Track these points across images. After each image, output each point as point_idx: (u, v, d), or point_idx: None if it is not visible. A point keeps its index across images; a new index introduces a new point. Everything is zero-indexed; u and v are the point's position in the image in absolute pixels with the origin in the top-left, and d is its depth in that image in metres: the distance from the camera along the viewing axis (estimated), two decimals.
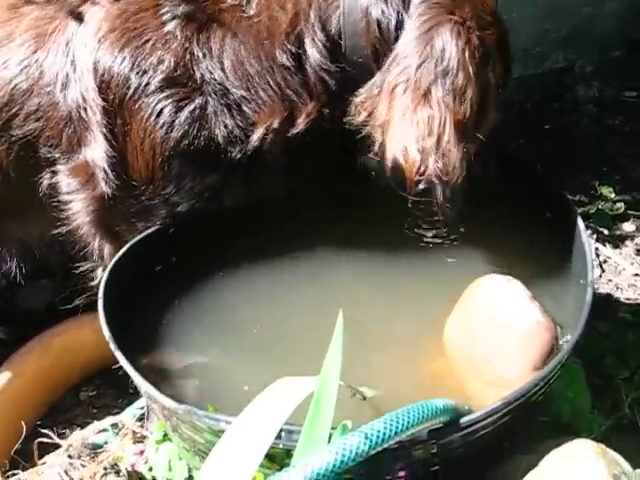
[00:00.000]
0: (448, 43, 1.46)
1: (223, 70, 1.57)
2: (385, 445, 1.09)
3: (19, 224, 1.88)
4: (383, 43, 1.53)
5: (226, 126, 1.58)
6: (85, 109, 1.61)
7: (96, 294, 1.65)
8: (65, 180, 1.68)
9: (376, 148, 1.56)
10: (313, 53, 1.56)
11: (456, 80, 1.45)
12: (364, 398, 1.40)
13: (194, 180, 1.64)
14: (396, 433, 1.11)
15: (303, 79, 1.58)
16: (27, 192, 1.75)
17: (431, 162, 1.47)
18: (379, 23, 1.52)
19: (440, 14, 1.49)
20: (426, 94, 1.47)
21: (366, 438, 1.08)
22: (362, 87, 1.56)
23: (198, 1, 1.60)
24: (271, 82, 1.58)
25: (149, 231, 1.68)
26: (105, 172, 1.62)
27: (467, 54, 1.46)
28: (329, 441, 1.10)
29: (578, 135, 2.81)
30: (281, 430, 1.13)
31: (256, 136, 1.59)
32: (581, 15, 2.90)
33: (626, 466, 1.32)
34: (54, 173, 1.70)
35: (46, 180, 1.72)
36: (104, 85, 1.59)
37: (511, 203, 1.72)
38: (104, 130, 1.60)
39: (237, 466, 1.07)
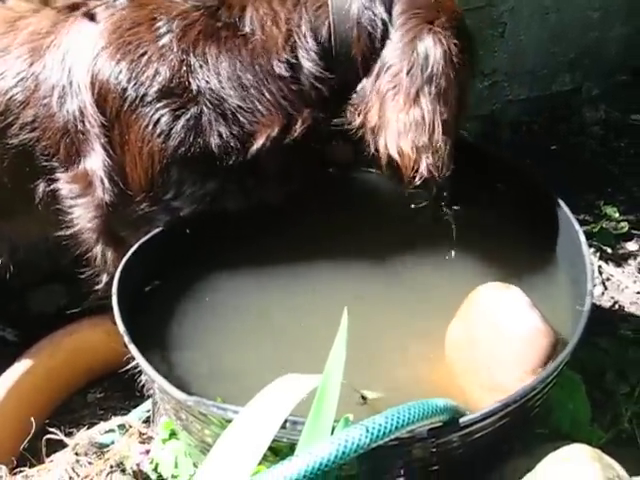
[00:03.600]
0: (431, 50, 1.58)
1: (219, 80, 1.63)
2: (386, 439, 1.13)
3: (13, 226, 1.93)
4: (371, 50, 1.63)
5: (220, 135, 1.63)
6: (83, 122, 1.66)
7: (101, 298, 1.70)
8: (66, 187, 1.72)
9: (370, 149, 1.66)
10: (306, 63, 1.64)
11: (440, 83, 1.58)
12: (364, 399, 1.43)
13: (194, 186, 1.69)
14: (397, 428, 1.14)
15: (298, 88, 1.65)
16: (22, 198, 1.79)
17: (424, 159, 1.59)
18: (369, 33, 1.62)
19: (420, 23, 1.60)
20: (416, 98, 1.59)
21: (367, 431, 1.11)
22: (353, 92, 1.66)
23: (192, 17, 1.65)
24: (267, 94, 1.64)
25: (158, 230, 1.71)
26: (102, 181, 1.67)
27: (447, 59, 1.58)
28: (332, 433, 1.13)
29: (584, 156, 2.85)
30: (286, 421, 1.16)
31: (256, 146, 1.65)
32: (588, 39, 2.94)
33: (620, 470, 1.35)
34: (52, 181, 1.74)
35: (42, 187, 1.76)
36: (101, 99, 1.64)
37: (513, 214, 1.77)
38: (102, 141, 1.65)
39: (242, 454, 1.10)
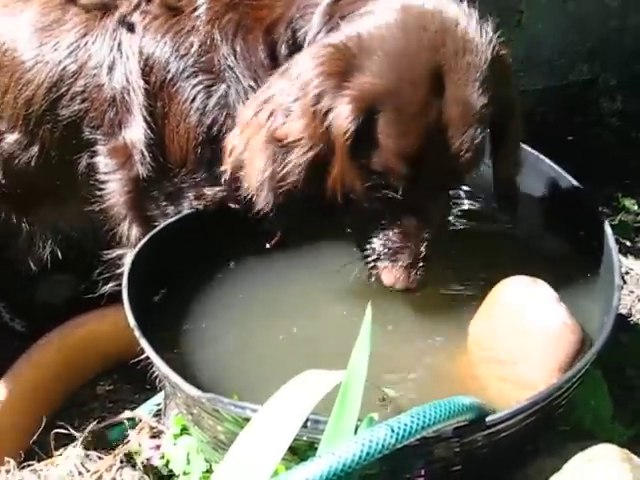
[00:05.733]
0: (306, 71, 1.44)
1: (235, 56, 1.60)
2: (411, 439, 1.08)
3: (54, 206, 1.91)
4: None
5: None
6: (128, 91, 1.65)
7: (119, 284, 1.66)
8: (104, 160, 1.72)
9: None
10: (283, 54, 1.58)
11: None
12: (383, 399, 1.39)
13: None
14: (423, 427, 1.10)
15: None
16: (65, 172, 1.78)
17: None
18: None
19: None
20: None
21: (392, 431, 1.07)
22: None
23: None
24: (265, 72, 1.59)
25: (169, 221, 1.69)
26: (142, 154, 1.66)
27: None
28: (355, 433, 1.09)
29: (601, 147, 2.81)
30: (307, 419, 1.12)
31: None
32: (606, 28, 2.90)
33: None
34: (94, 153, 1.73)
35: (85, 160, 1.75)
36: (147, 68, 1.63)
37: (541, 208, 1.74)
38: (144, 112, 1.64)
39: (261, 455, 1.06)
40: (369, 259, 1.53)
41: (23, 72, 1.73)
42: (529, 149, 1.83)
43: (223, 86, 1.60)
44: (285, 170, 1.44)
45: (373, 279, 1.55)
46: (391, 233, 1.48)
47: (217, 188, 1.67)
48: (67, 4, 1.72)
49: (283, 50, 1.58)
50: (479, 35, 1.45)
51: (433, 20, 1.43)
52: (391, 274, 1.50)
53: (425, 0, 1.45)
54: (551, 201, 1.74)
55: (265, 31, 1.59)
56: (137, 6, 1.67)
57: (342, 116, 1.38)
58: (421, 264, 1.48)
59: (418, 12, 1.44)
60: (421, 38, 1.41)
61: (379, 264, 1.51)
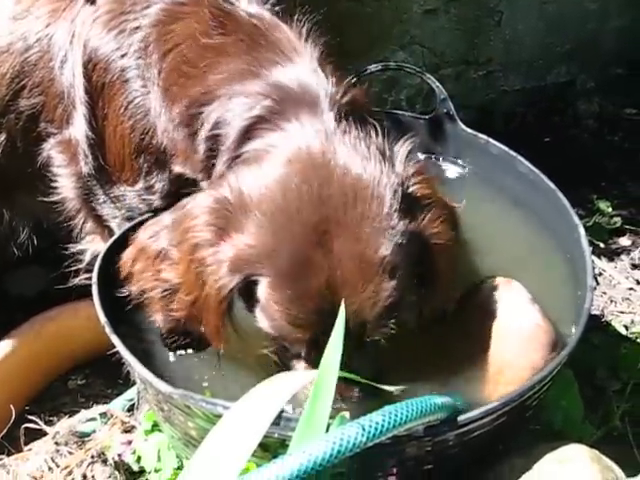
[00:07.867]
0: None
1: (159, 72, 1.52)
2: (382, 437, 1.08)
3: (27, 194, 1.87)
4: None
5: (165, 131, 1.52)
6: (74, 87, 1.61)
7: (85, 278, 1.66)
8: (55, 154, 1.69)
9: None
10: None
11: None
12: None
13: (162, 180, 1.58)
14: (394, 426, 1.09)
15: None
16: (30, 161, 1.75)
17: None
18: None
19: None
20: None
21: (364, 430, 1.06)
22: None
23: None
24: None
25: (144, 217, 1.63)
26: (84, 152, 1.63)
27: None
28: (327, 431, 1.09)
29: (578, 149, 2.82)
30: (279, 416, 1.12)
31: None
32: (585, 31, 2.92)
33: (619, 473, 1.32)
34: (50, 146, 1.71)
35: (45, 152, 1.72)
36: (90, 66, 1.58)
37: (515, 208, 1.75)
38: (85, 110, 1.60)
39: (231, 451, 1.05)
40: None
41: None
42: (506, 149, 1.85)
43: (149, 98, 1.52)
44: (173, 306, 1.42)
45: None
46: None
47: (165, 200, 1.57)
48: None
49: (201, 134, 1.45)
50: (379, 178, 1.29)
51: (318, 172, 1.29)
52: None
53: (319, 147, 1.30)
54: (526, 201, 1.75)
55: (189, 102, 1.46)
56: None
57: (216, 276, 1.29)
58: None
59: (304, 164, 1.30)
60: (302, 194, 1.27)
61: None
